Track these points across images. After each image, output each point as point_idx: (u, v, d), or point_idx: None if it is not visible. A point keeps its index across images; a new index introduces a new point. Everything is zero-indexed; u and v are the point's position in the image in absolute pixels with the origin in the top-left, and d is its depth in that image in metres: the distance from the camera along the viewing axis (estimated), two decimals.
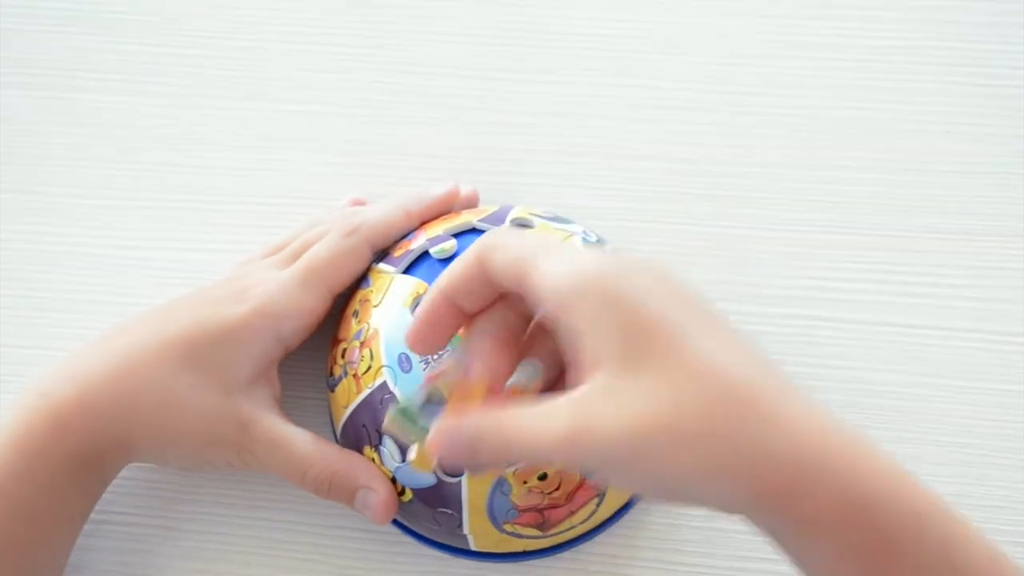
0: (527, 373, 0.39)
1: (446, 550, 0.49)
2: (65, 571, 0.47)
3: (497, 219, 0.48)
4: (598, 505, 0.46)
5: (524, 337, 0.40)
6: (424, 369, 0.44)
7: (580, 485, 0.45)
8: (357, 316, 0.48)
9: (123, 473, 0.49)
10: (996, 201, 0.54)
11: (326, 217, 0.52)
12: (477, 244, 0.38)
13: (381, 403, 0.45)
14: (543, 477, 0.44)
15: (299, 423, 0.48)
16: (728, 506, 0.35)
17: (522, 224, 0.48)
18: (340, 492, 0.46)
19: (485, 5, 0.60)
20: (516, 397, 0.38)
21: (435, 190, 0.51)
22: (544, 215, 0.49)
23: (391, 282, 0.47)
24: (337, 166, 0.57)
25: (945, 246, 0.54)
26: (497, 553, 0.49)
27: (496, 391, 0.38)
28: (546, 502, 0.45)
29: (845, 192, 0.55)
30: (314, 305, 0.48)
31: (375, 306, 0.47)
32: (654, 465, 0.34)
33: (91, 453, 0.45)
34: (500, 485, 0.44)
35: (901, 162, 0.56)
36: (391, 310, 0.46)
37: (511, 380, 0.39)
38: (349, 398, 0.46)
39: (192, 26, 0.60)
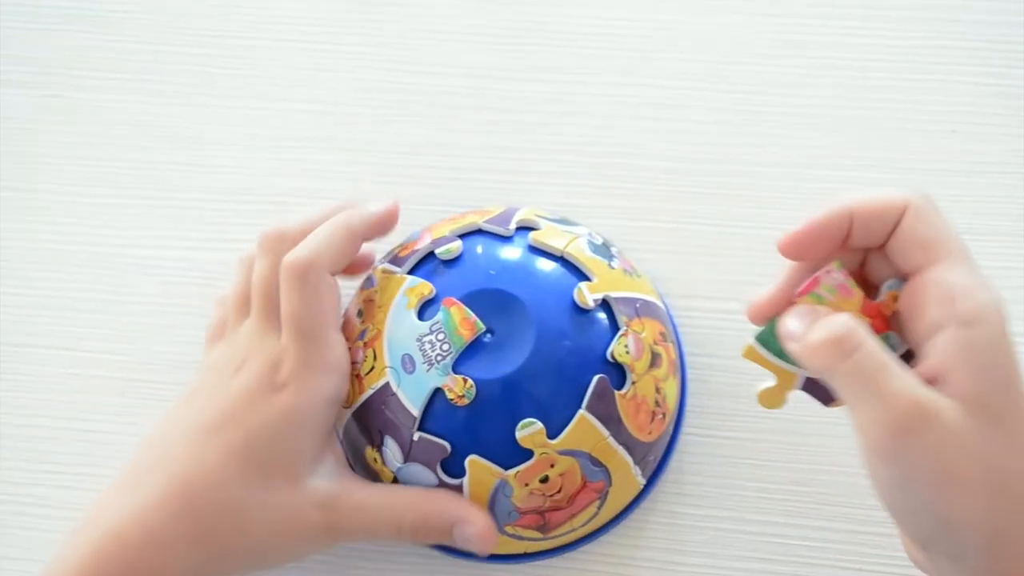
0: (898, 285, 0.39)
1: (448, 552, 0.49)
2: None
3: (503, 220, 0.48)
4: (599, 508, 0.46)
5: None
6: (427, 370, 0.44)
7: (582, 488, 0.45)
8: (361, 316, 0.47)
9: None
10: (1001, 201, 0.54)
11: (250, 255, 0.49)
12: (908, 194, 0.38)
13: (383, 404, 0.45)
14: (544, 480, 0.44)
15: None
16: (955, 557, 0.36)
17: (528, 227, 0.47)
18: (437, 533, 0.45)
19: (489, 5, 0.60)
20: (887, 311, 0.39)
21: (374, 206, 0.48)
22: (550, 216, 0.49)
23: (396, 283, 0.47)
24: (339, 164, 0.57)
25: None
26: (498, 555, 0.48)
27: (868, 306, 0.39)
28: (547, 504, 0.45)
29: (845, 191, 0.55)
30: (336, 354, 0.45)
31: (379, 307, 0.47)
32: (942, 498, 0.35)
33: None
34: (502, 487, 0.44)
35: (905, 162, 0.55)
36: (396, 311, 0.46)
37: (888, 285, 0.39)
38: (352, 399, 0.46)
39: (193, 25, 0.60)
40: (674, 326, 0.52)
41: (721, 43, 0.58)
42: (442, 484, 0.45)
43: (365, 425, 0.46)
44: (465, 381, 0.43)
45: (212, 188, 0.57)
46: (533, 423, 0.43)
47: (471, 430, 0.44)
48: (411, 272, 0.47)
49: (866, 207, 0.38)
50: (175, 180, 0.57)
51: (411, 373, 0.44)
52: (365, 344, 0.46)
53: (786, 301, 0.40)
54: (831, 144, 0.56)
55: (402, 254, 0.48)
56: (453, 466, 0.44)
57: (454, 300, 0.44)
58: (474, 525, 0.44)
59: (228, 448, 0.43)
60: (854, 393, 0.36)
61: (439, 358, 0.44)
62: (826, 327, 0.37)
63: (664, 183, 0.56)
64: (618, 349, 0.44)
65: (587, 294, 0.45)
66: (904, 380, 0.35)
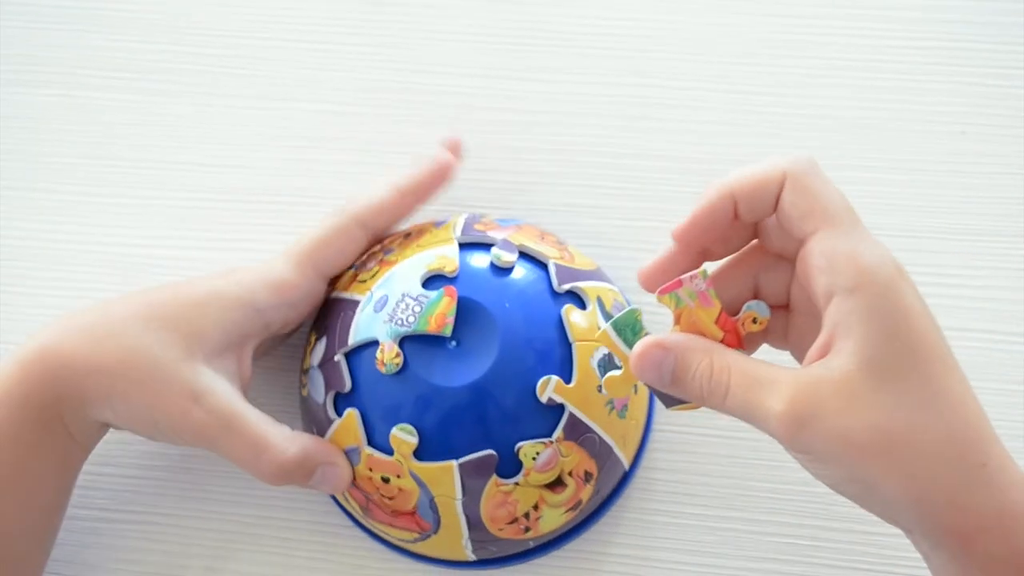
0: (762, 309, 0.39)
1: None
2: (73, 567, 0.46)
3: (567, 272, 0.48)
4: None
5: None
6: (385, 322, 0.45)
7: (405, 514, 0.46)
8: (407, 236, 0.49)
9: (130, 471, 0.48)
10: (1010, 202, 0.54)
11: None
12: (786, 163, 0.38)
13: (343, 311, 0.47)
14: (386, 480, 0.45)
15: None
16: (914, 529, 0.36)
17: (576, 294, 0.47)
18: (300, 473, 0.45)
19: (493, 5, 0.60)
20: (743, 330, 0.39)
21: (424, 165, 0.50)
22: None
23: (444, 241, 0.47)
24: (344, 164, 0.57)
25: (959, 246, 0.54)
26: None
27: (726, 321, 0.39)
28: (375, 497, 0.46)
29: (853, 192, 0.54)
30: (297, 280, 0.47)
31: (418, 245, 0.48)
32: (860, 472, 0.35)
33: (46, 401, 0.44)
34: (352, 452, 0.45)
35: (911, 162, 0.56)
36: (418, 259, 0.46)
37: (748, 306, 0.39)
38: (341, 287, 0.48)
39: (197, 25, 0.60)
40: None
41: (724, 44, 0.58)
42: (317, 415, 0.46)
43: (326, 312, 0.48)
44: (397, 355, 0.44)
45: (217, 188, 0.57)
46: (411, 432, 0.44)
47: (377, 396, 0.45)
48: (463, 245, 0.47)
49: (745, 185, 0.38)
50: (179, 180, 0.57)
51: (376, 312, 0.45)
52: (381, 262, 0.47)
53: (674, 273, 0.39)
54: (837, 145, 0.56)
55: (479, 226, 0.48)
56: (340, 407, 0.45)
57: (455, 293, 0.44)
58: (340, 467, 0.45)
59: (151, 298, 0.46)
60: (734, 412, 0.37)
61: (399, 322, 0.44)
62: (639, 364, 0.38)
63: (666, 183, 0.56)
64: (527, 451, 0.44)
65: (549, 389, 0.44)
66: (758, 387, 0.36)
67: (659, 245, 0.53)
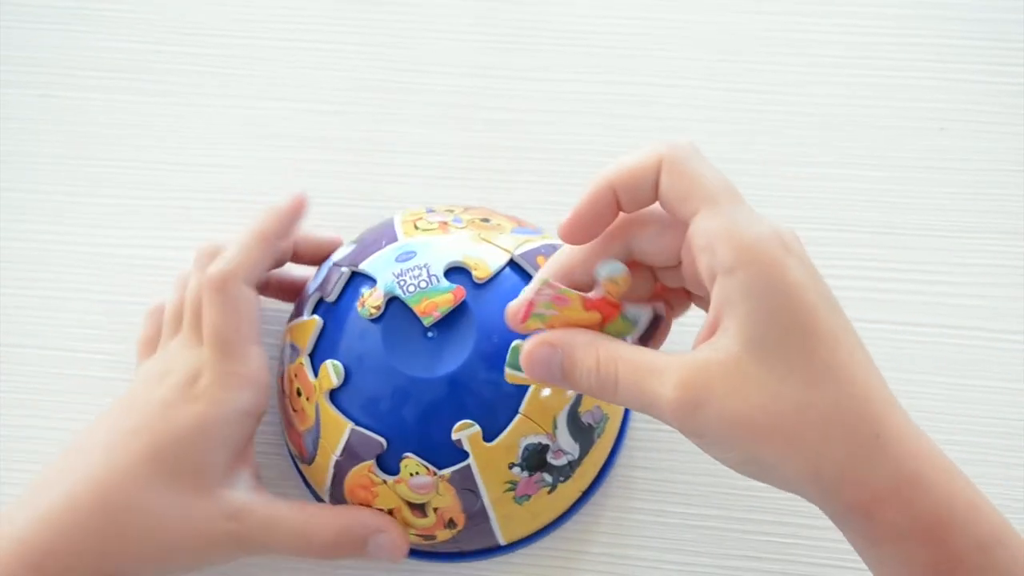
0: (614, 269, 0.39)
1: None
2: None
3: (385, 229, 0.49)
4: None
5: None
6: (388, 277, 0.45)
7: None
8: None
9: None
10: (992, 198, 0.54)
11: (188, 273, 0.51)
12: (661, 149, 0.37)
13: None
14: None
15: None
16: (816, 502, 0.37)
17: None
18: (351, 546, 0.45)
19: (488, 4, 0.60)
20: (613, 298, 0.39)
21: (280, 205, 0.49)
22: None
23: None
24: (335, 163, 0.57)
25: (940, 243, 0.54)
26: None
27: (593, 303, 0.39)
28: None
29: (837, 188, 0.55)
30: (253, 366, 0.46)
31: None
32: (754, 452, 0.35)
33: None
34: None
35: (896, 158, 0.56)
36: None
37: (599, 274, 0.39)
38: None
39: (190, 25, 0.60)
40: None
41: (716, 42, 0.58)
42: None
43: (378, 227, 0.49)
44: (378, 307, 0.45)
45: (209, 187, 0.57)
46: (337, 374, 0.45)
47: (343, 327, 0.46)
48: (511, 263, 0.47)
49: (623, 176, 0.38)
50: (171, 179, 0.57)
51: (396, 261, 0.46)
52: (442, 224, 0.48)
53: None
54: (823, 142, 0.56)
55: (540, 259, 0.48)
56: (317, 309, 0.47)
57: (461, 296, 0.44)
58: (390, 534, 0.45)
59: (140, 452, 0.44)
60: (628, 403, 0.37)
61: (401, 284, 0.45)
62: (528, 362, 0.38)
63: None
64: (409, 464, 0.44)
65: (464, 433, 0.44)
66: (648, 374, 0.36)
67: None
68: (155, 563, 0.44)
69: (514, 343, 0.40)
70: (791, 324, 0.35)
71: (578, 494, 0.49)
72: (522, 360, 0.38)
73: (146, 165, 0.58)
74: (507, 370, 0.41)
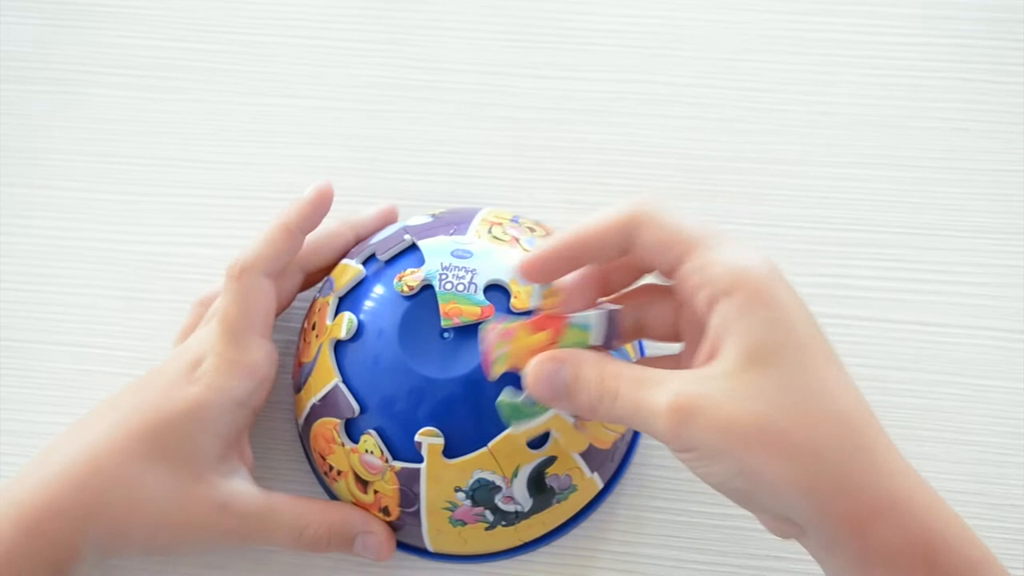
0: (591, 321, 0.40)
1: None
2: None
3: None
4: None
5: (627, 290, 0.42)
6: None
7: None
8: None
9: None
10: (1011, 199, 0.54)
11: None
12: (633, 207, 0.38)
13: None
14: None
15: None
16: (801, 519, 0.36)
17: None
18: (339, 543, 0.47)
19: (496, 1, 0.60)
20: (551, 316, 0.40)
21: (306, 194, 0.49)
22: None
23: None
24: (344, 160, 0.57)
25: (960, 243, 0.54)
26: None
27: (534, 323, 0.40)
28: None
29: (857, 189, 0.55)
30: (257, 356, 0.47)
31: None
32: (747, 463, 0.35)
33: (63, 557, 0.44)
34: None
35: (914, 159, 0.55)
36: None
37: (532, 290, 0.41)
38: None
39: (205, 22, 0.60)
40: None
41: (730, 41, 0.58)
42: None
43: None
44: (412, 288, 0.45)
45: (221, 184, 0.57)
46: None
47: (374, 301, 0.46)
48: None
49: (591, 237, 0.39)
50: (185, 176, 0.57)
51: (449, 252, 0.46)
52: (513, 238, 0.48)
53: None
54: (841, 142, 0.56)
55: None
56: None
57: (490, 313, 0.44)
58: (376, 534, 0.47)
59: (138, 429, 0.45)
60: (624, 417, 0.37)
61: (442, 277, 0.45)
62: (534, 379, 0.39)
63: (671, 180, 0.56)
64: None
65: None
66: (643, 386, 0.36)
67: None
68: (140, 539, 0.45)
69: (498, 400, 0.41)
70: (787, 338, 0.36)
71: (517, 542, 0.48)
72: (529, 378, 0.39)
73: (161, 162, 0.58)
74: (512, 427, 0.43)
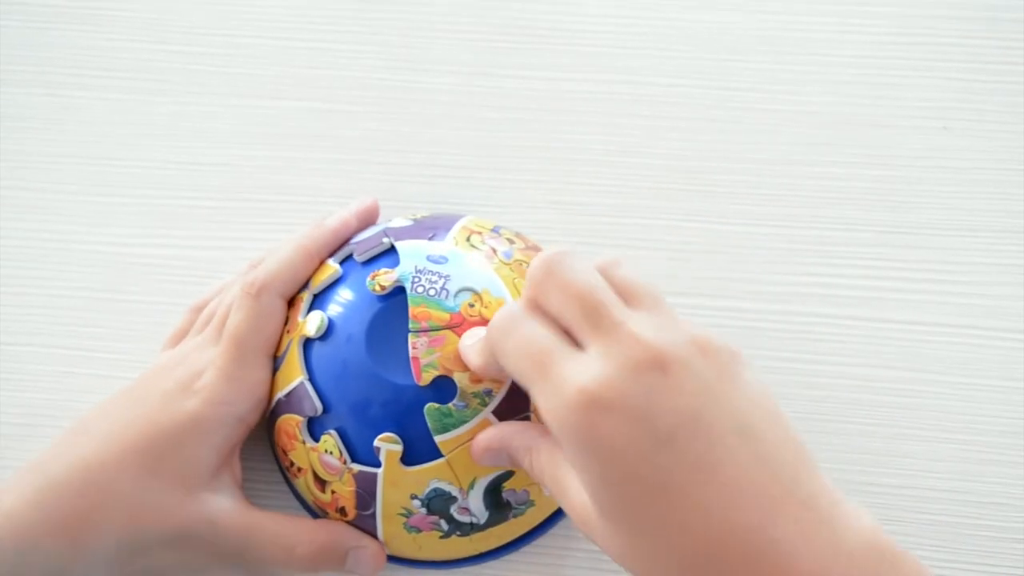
0: (464, 296, 0.42)
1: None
2: None
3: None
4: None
5: None
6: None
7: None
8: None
9: None
10: (994, 197, 0.54)
11: (234, 280, 0.52)
12: (486, 341, 0.39)
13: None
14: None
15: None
16: None
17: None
18: (330, 559, 0.46)
19: (485, 2, 0.60)
20: (474, 323, 0.43)
21: (329, 222, 0.50)
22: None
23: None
24: (337, 163, 0.57)
25: (944, 242, 0.54)
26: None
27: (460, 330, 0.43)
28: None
29: (843, 188, 0.55)
30: (259, 376, 0.47)
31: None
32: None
33: (59, 571, 0.43)
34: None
35: (899, 158, 0.56)
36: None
37: (457, 301, 0.44)
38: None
39: (199, 25, 0.60)
40: None
41: (715, 41, 0.58)
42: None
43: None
44: (384, 288, 0.45)
45: (209, 186, 0.57)
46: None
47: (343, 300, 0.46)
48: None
49: (480, 366, 0.41)
50: (173, 178, 0.57)
51: (425, 256, 0.46)
52: (499, 244, 0.48)
53: None
54: (825, 141, 0.56)
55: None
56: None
57: (461, 321, 0.44)
58: (368, 549, 0.46)
59: (132, 442, 0.45)
60: (544, 481, 0.39)
61: (415, 280, 0.45)
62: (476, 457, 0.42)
63: (658, 180, 0.56)
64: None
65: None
66: (571, 483, 0.37)
67: (645, 242, 0.54)
68: (132, 553, 0.44)
69: (426, 406, 0.43)
70: (621, 495, 0.34)
71: (473, 552, 0.48)
72: (474, 458, 0.42)
73: (148, 164, 0.58)
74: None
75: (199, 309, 0.51)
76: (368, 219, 0.51)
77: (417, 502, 0.44)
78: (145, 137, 0.58)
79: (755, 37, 0.58)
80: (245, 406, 0.46)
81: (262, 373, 0.47)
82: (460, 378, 0.43)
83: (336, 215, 0.50)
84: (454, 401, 0.43)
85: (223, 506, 0.45)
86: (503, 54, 0.59)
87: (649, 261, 0.54)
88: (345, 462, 0.44)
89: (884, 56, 0.57)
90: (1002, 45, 0.57)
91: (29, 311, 0.55)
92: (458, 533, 0.46)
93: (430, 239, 0.47)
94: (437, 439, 0.43)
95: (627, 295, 0.37)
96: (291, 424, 0.46)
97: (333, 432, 0.45)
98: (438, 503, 0.44)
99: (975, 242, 0.54)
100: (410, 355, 0.41)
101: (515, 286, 0.46)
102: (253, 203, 0.57)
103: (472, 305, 0.43)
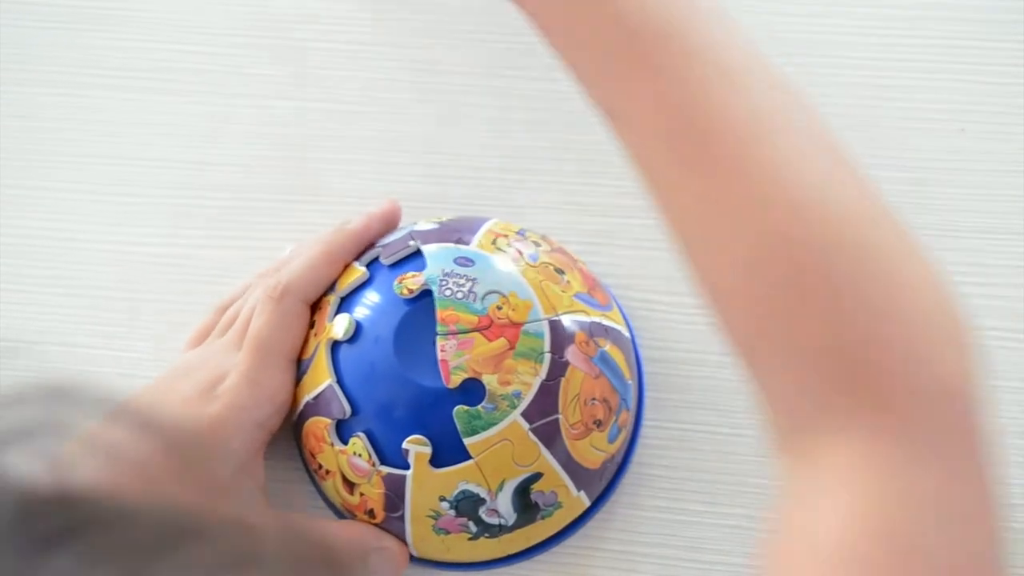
0: (492, 298, 0.44)
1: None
2: None
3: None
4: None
5: None
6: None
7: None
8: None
9: None
10: (1013, 199, 0.54)
11: (258, 281, 0.51)
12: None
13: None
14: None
15: None
16: None
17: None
18: (354, 561, 0.46)
19: (496, 4, 0.60)
20: (503, 325, 0.44)
21: (351, 226, 0.50)
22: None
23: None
24: (350, 163, 0.57)
25: (962, 244, 0.54)
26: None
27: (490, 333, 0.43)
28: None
29: None
30: (281, 380, 0.47)
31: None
32: None
33: None
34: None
35: (914, 160, 0.56)
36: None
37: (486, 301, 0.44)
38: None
39: (209, 25, 0.60)
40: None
41: None
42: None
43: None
44: (412, 291, 0.45)
45: (220, 186, 0.57)
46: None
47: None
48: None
49: None
50: (183, 178, 0.57)
51: (451, 259, 0.46)
52: (524, 260, 0.48)
53: None
54: (844, 143, 0.56)
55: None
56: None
57: (489, 323, 0.44)
58: (390, 550, 0.46)
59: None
60: None
61: (443, 283, 0.45)
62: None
63: None
64: None
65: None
66: None
67: (659, 242, 0.54)
68: None
69: (455, 408, 0.43)
70: None
71: (500, 554, 0.48)
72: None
73: (162, 163, 0.58)
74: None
75: (224, 308, 0.51)
76: (390, 222, 0.51)
77: (446, 504, 0.44)
78: (160, 137, 0.58)
79: (769, 40, 0.58)
80: (266, 411, 0.46)
81: (284, 377, 0.47)
82: (489, 380, 0.43)
83: (358, 218, 0.50)
84: (483, 403, 0.43)
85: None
86: (515, 55, 0.59)
87: (667, 262, 0.54)
88: (374, 464, 0.44)
89: (900, 59, 0.57)
90: (1018, 47, 0.57)
91: (44, 309, 0.55)
92: (486, 535, 0.46)
93: (456, 242, 0.47)
94: (466, 441, 0.43)
95: None
96: (319, 427, 0.46)
97: (362, 435, 0.45)
98: (467, 505, 0.44)
99: (992, 244, 0.54)
100: (439, 358, 0.42)
101: (542, 288, 0.46)
102: (267, 203, 0.57)
103: (500, 307, 0.43)
